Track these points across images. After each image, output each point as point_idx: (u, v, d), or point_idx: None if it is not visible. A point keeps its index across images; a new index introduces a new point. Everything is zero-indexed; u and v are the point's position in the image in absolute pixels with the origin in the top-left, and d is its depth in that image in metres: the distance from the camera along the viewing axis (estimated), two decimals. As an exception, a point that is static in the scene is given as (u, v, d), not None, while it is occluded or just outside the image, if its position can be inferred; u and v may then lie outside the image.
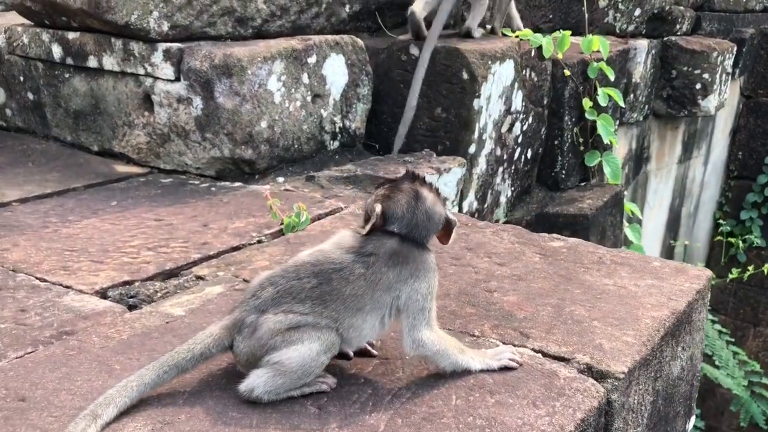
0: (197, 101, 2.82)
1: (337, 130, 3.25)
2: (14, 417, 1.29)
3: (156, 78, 2.89)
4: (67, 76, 3.16)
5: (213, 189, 2.83)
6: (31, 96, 3.34)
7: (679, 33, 5.62)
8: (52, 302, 1.75)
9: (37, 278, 1.91)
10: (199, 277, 1.95)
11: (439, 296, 1.82)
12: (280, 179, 2.98)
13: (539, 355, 1.56)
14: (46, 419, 1.29)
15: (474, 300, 1.80)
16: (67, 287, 1.85)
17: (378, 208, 1.38)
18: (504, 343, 1.59)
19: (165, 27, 2.83)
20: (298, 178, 2.99)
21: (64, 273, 1.94)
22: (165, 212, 2.53)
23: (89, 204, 2.62)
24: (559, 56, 3.87)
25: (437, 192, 1.46)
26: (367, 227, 1.39)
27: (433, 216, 1.41)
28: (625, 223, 4.41)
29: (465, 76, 3.23)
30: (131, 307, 1.77)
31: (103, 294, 1.84)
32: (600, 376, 1.51)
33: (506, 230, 2.35)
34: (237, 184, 2.89)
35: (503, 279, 1.94)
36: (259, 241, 2.26)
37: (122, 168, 3.10)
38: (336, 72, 3.17)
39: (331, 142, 3.24)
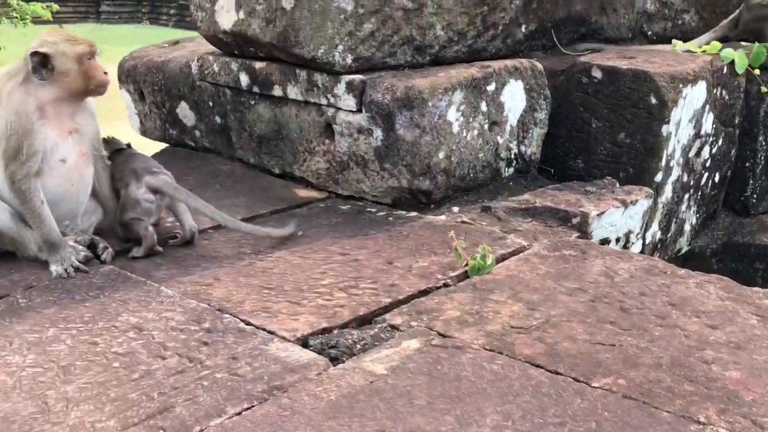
0: (378, 132, 2.85)
1: (513, 156, 3.17)
2: (242, 482, 1.35)
3: (338, 108, 2.95)
4: (252, 102, 3.31)
5: (390, 219, 2.85)
6: (218, 120, 3.53)
7: None
8: (259, 350, 1.83)
9: (241, 320, 2.00)
10: (394, 327, 1.96)
11: (651, 366, 1.71)
12: (455, 209, 2.95)
13: (777, 452, 1.41)
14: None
15: (691, 374, 1.66)
16: (270, 332, 1.93)
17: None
18: (732, 433, 1.45)
19: (349, 60, 2.87)
20: (473, 208, 2.95)
21: (265, 315, 2.02)
22: (349, 245, 2.57)
23: (277, 233, 2.73)
24: (756, 71, 3.53)
25: None
26: None
27: None
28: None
29: (653, 100, 3.03)
30: (333, 359, 1.80)
31: (304, 342, 1.89)
32: None
33: (711, 281, 2.16)
34: (413, 213, 2.89)
35: (719, 347, 1.78)
36: (446, 285, 2.24)
37: (302, 192, 3.20)
38: (514, 98, 3.08)
39: (506, 169, 3.16)
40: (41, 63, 2.24)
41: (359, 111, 2.89)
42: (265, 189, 3.23)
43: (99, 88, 2.37)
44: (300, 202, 3.09)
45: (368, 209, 2.97)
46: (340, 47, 2.84)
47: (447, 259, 2.41)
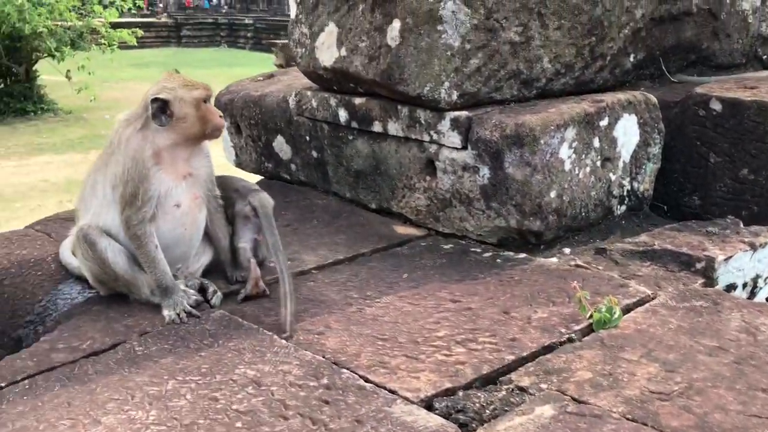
0: (484, 170, 2.75)
1: (625, 193, 3.01)
2: None
3: (441, 145, 2.87)
4: (350, 138, 3.27)
5: (498, 261, 2.73)
6: (315, 154, 3.51)
7: None
8: (383, 413, 1.75)
9: (360, 376, 1.93)
10: (522, 389, 1.84)
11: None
12: (567, 250, 2.81)
13: None
14: None
15: None
16: (392, 392, 1.84)
17: None
18: None
19: (454, 96, 2.79)
20: (585, 249, 2.80)
21: (384, 372, 1.94)
22: (458, 291, 2.48)
23: (381, 275, 2.65)
24: None
25: None
26: None
27: None
28: None
29: (782, 134, 2.82)
30: (462, 426, 1.70)
31: (428, 404, 1.80)
32: None
33: None
34: (522, 255, 2.77)
35: None
36: (570, 339, 2.11)
37: (401, 229, 3.12)
38: (627, 133, 2.93)
39: (618, 206, 3.00)
40: (160, 109, 2.26)
41: (464, 148, 2.80)
42: (363, 225, 3.17)
43: (215, 132, 2.37)
44: (400, 239, 3.01)
45: (472, 249, 2.86)
46: (446, 84, 2.77)
47: (567, 309, 2.28)
